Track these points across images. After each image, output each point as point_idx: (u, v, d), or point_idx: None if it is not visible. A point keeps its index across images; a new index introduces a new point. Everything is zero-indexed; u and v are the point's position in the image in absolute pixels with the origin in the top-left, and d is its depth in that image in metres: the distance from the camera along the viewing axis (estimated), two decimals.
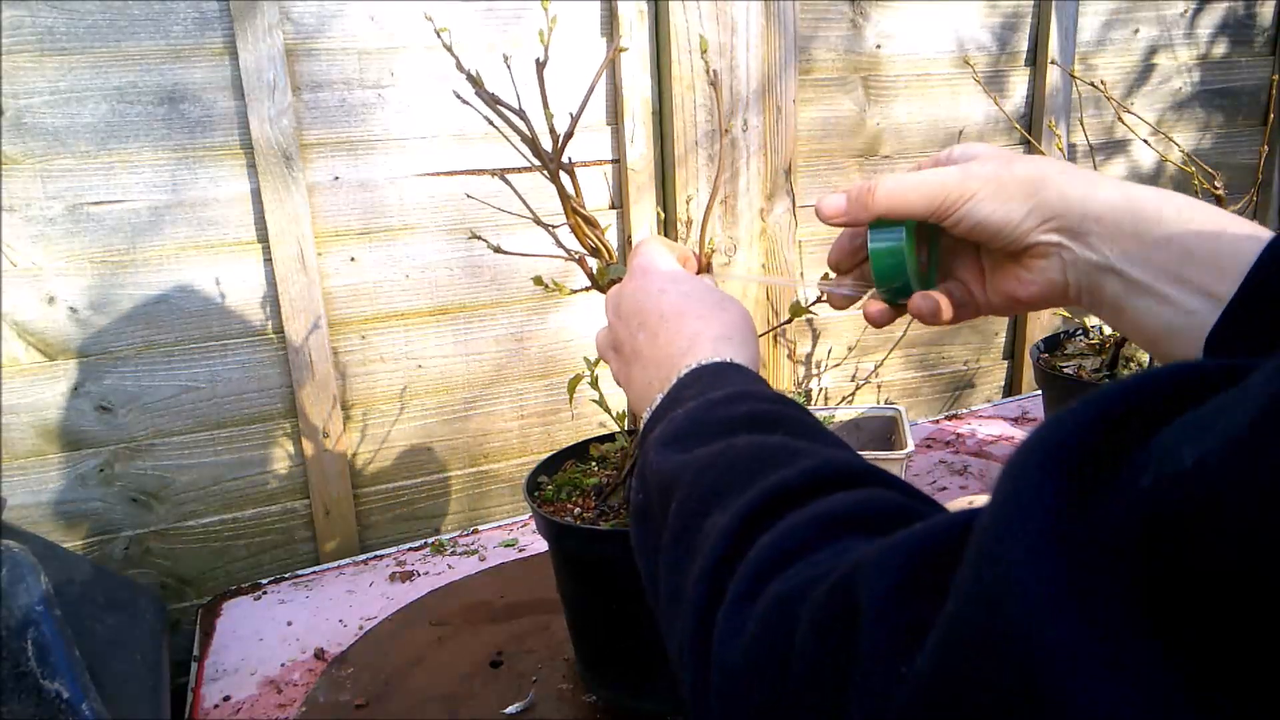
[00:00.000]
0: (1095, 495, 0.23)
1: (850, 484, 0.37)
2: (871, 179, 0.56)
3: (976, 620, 0.24)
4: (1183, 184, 1.70)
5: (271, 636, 1.02)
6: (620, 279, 0.64)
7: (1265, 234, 0.47)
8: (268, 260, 1.19)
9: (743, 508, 0.38)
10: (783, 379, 1.54)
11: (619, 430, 0.89)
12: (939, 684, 0.25)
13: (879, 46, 1.47)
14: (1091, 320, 1.20)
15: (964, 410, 1.53)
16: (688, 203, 1.33)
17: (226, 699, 0.91)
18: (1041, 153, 1.43)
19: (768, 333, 1.10)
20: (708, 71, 0.84)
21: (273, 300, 1.20)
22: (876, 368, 1.63)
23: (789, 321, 0.84)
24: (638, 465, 0.49)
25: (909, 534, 0.30)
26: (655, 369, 0.55)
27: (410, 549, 1.20)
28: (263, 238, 1.18)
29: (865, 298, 0.61)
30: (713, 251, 0.74)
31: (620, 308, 0.60)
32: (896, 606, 0.28)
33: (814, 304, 0.78)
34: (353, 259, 1.24)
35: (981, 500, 0.96)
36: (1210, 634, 0.20)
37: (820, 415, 1.15)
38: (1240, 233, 0.48)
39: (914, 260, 0.57)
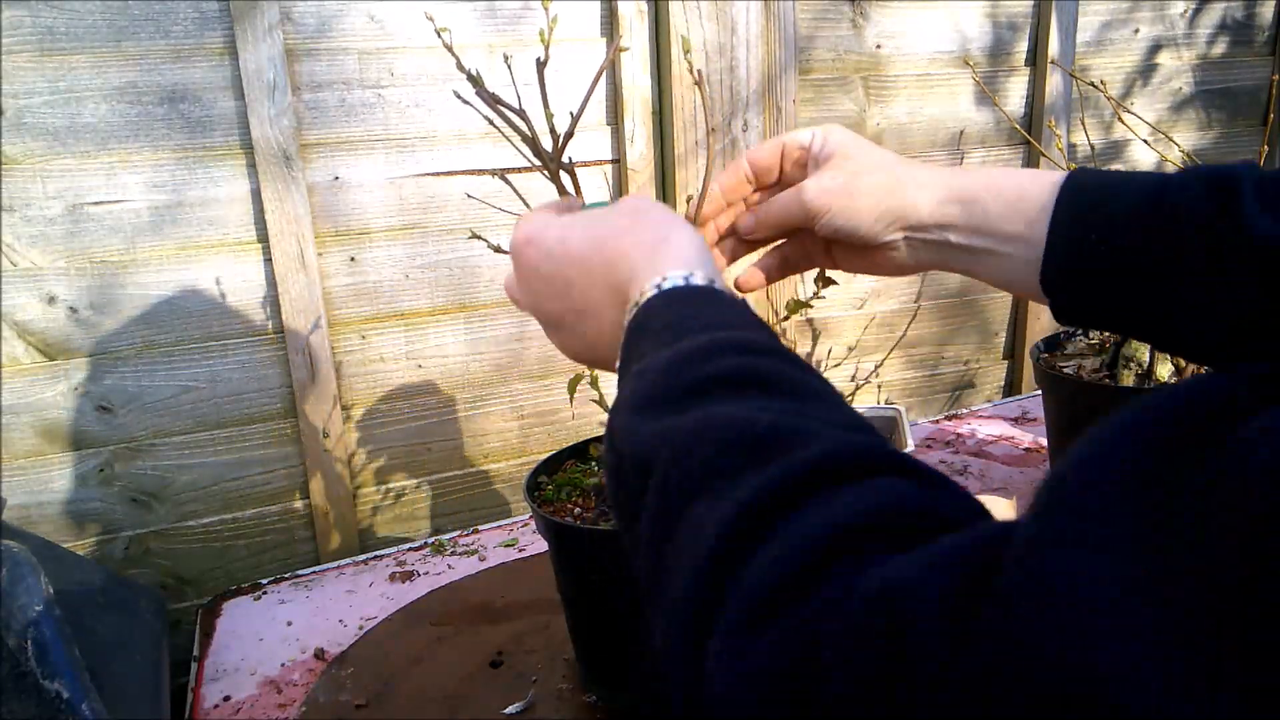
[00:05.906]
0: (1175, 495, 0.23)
1: (860, 474, 0.32)
2: (750, 212, 0.71)
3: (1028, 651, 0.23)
4: None
5: (271, 636, 1.02)
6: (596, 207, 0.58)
7: (1056, 176, 0.56)
8: (268, 260, 1.19)
9: (735, 507, 0.33)
10: None
11: None
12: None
13: (879, 46, 1.47)
14: None
15: (964, 410, 1.53)
16: (688, 202, 1.33)
17: (226, 699, 0.91)
18: (1043, 154, 1.43)
19: None
20: (691, 72, 0.84)
21: (273, 300, 1.20)
22: (876, 368, 1.62)
23: (785, 319, 0.84)
24: (607, 426, 0.43)
25: (950, 554, 0.27)
26: (609, 299, 0.50)
27: (410, 549, 1.20)
28: (263, 238, 1.18)
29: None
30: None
31: (531, 283, 0.55)
32: (947, 644, 0.25)
33: (812, 298, 0.79)
34: (353, 259, 1.24)
35: (990, 503, 0.96)
36: None
37: None
38: (1038, 185, 0.57)
39: None
